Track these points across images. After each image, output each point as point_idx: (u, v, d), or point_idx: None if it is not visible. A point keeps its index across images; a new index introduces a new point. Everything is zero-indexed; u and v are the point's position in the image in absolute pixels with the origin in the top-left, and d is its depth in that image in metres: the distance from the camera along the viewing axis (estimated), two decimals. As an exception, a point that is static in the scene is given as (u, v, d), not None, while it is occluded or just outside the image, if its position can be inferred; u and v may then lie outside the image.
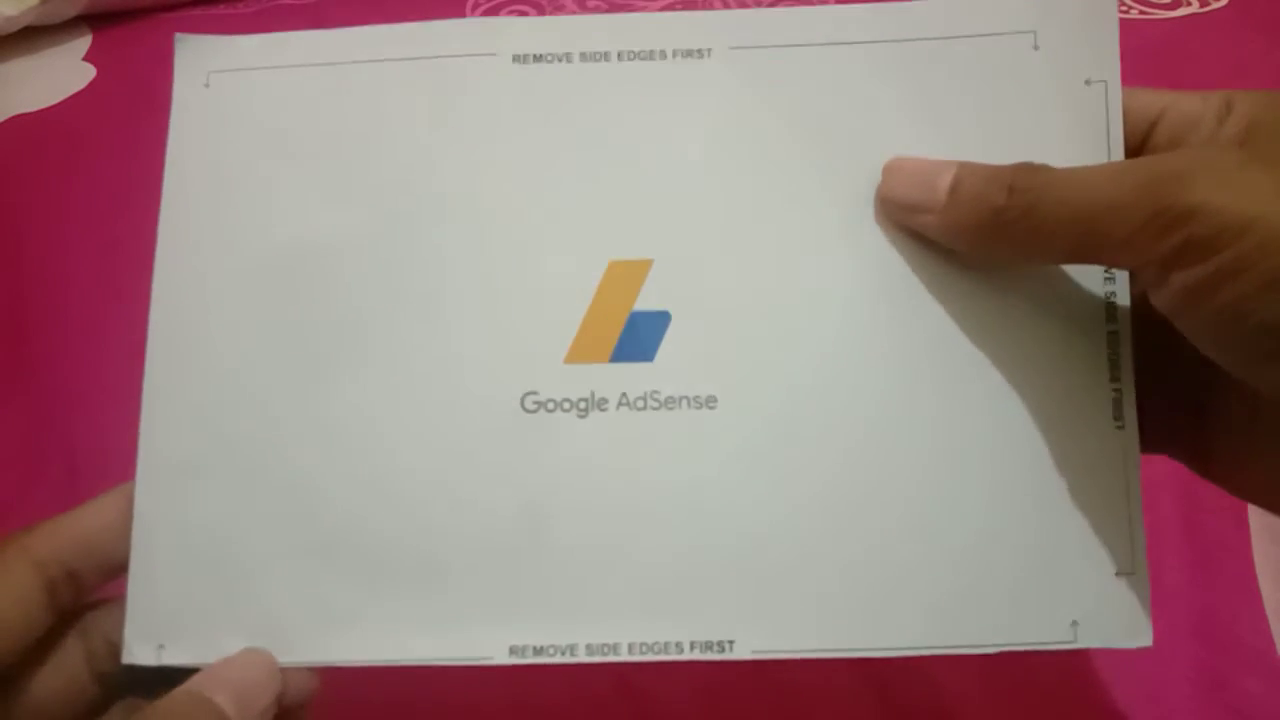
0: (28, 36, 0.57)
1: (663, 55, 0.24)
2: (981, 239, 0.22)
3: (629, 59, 0.24)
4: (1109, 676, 0.30)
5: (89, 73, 0.55)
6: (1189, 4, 0.56)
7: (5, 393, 0.40)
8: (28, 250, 0.45)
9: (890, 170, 0.24)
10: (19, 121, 0.52)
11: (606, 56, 0.24)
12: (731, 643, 0.22)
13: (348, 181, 0.24)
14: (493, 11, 0.61)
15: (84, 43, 0.58)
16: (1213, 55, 0.51)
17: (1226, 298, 0.18)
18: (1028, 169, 0.21)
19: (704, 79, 0.24)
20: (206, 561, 0.23)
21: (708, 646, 0.22)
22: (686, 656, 0.22)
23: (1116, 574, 0.22)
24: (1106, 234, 0.20)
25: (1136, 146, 0.23)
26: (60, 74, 0.55)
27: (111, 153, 0.49)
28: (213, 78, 0.25)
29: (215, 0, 0.60)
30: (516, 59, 0.24)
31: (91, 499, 0.24)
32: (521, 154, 0.24)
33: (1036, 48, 0.23)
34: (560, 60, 0.24)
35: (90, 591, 0.23)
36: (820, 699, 0.23)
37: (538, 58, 0.24)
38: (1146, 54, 0.51)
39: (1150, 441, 0.24)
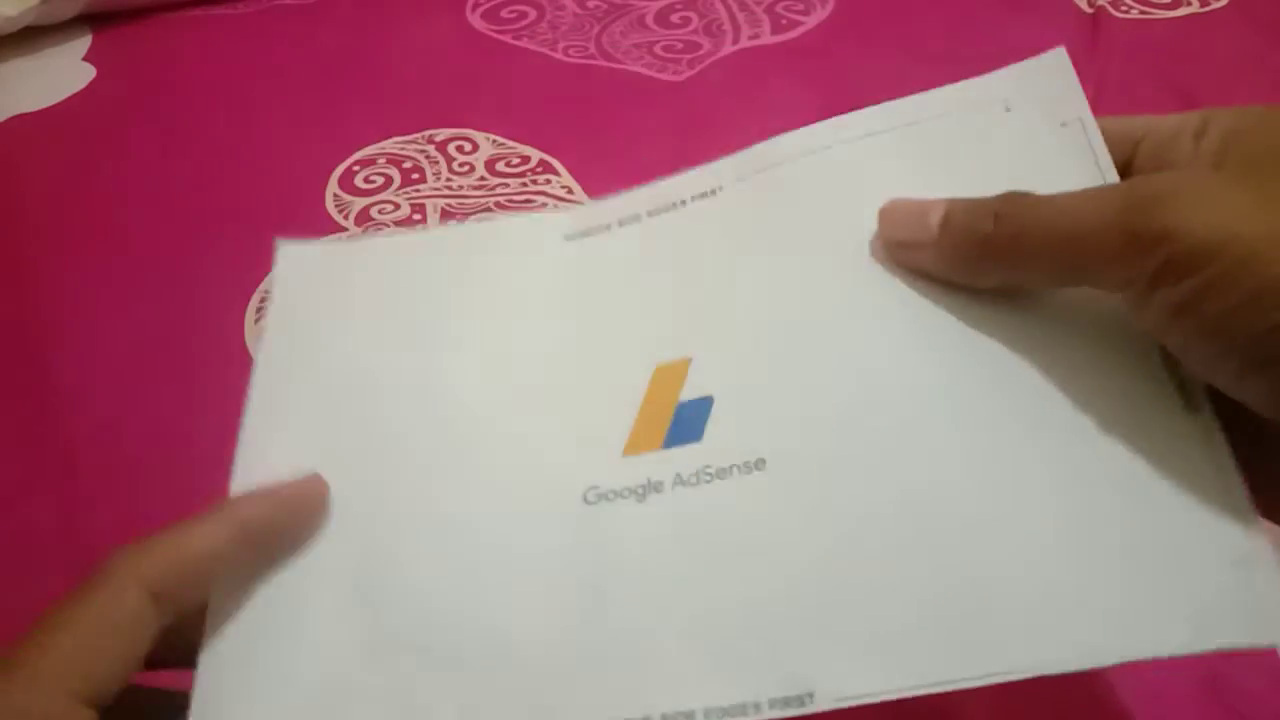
0: (28, 36, 0.57)
1: (682, 204, 0.28)
2: (973, 267, 0.23)
3: (656, 215, 0.29)
4: (1111, 676, 0.30)
5: (89, 73, 0.55)
6: (1189, 4, 0.56)
7: (5, 392, 0.40)
8: (28, 249, 0.45)
9: (885, 213, 0.24)
10: (19, 121, 0.52)
11: (638, 218, 0.29)
12: (811, 695, 0.21)
13: (427, 328, 0.28)
14: (492, 12, 0.61)
15: (84, 43, 0.58)
16: (1213, 55, 0.51)
17: (1208, 314, 0.19)
18: (1012, 197, 0.22)
19: (718, 207, 0.28)
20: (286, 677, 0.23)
21: (787, 702, 0.21)
22: (766, 715, 0.21)
23: (1232, 563, 0.20)
24: (1089, 257, 0.20)
25: (1121, 171, 0.24)
26: (60, 74, 0.55)
27: (111, 152, 0.50)
28: (309, 276, 0.29)
29: (215, 0, 0.61)
30: (568, 237, 0.29)
31: (192, 519, 0.22)
32: (576, 297, 0.28)
33: (1008, 110, 0.26)
34: (602, 230, 0.29)
35: (185, 614, 0.22)
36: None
37: (584, 233, 0.29)
38: (1146, 54, 0.51)
39: None
